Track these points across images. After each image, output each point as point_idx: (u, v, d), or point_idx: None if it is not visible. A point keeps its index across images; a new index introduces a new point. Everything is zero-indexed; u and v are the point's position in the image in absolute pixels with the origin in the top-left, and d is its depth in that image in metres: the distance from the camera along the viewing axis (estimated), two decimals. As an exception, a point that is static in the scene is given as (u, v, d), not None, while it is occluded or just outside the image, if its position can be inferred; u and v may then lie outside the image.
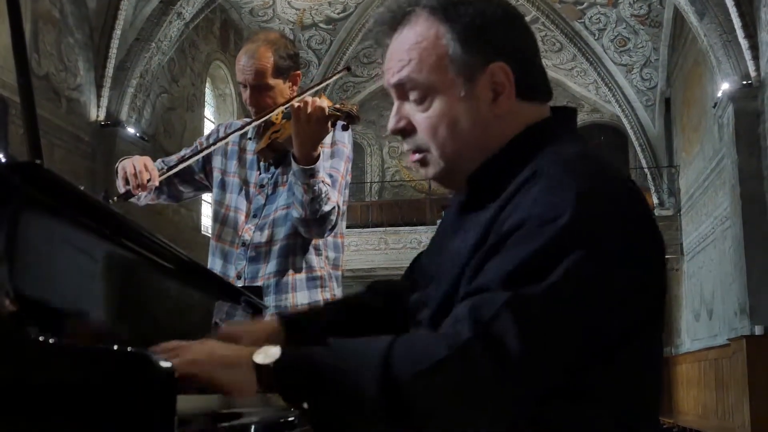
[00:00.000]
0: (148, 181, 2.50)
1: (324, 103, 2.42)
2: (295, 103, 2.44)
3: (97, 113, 11.50)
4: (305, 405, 1.06)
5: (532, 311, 1.03)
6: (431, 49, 1.24)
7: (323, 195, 2.49)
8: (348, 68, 3.27)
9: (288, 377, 1.08)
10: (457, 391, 1.02)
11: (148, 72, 12.26)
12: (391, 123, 1.30)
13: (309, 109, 2.39)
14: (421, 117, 1.26)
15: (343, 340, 1.11)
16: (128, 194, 2.51)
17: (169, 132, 13.77)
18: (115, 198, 2.52)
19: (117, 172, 2.56)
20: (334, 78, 3.13)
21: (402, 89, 1.28)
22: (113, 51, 11.58)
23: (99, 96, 11.53)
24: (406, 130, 1.29)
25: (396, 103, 1.30)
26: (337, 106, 2.45)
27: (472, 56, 1.23)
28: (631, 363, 1.14)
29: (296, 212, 2.54)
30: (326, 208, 2.51)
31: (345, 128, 2.53)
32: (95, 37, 11.45)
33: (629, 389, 1.15)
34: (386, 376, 1.02)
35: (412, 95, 1.26)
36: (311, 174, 2.46)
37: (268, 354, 1.08)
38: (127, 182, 2.49)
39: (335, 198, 2.57)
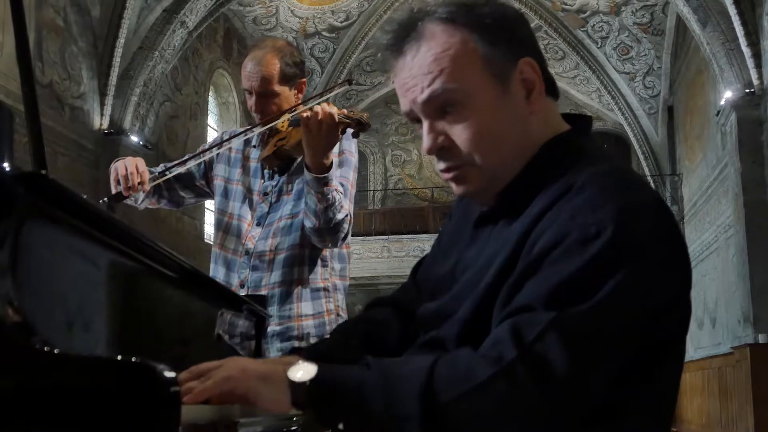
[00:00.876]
0: (139, 183, 2.49)
1: (333, 110, 2.40)
2: (304, 114, 2.42)
3: (100, 121, 11.52)
4: (340, 426, 1.03)
5: (577, 331, 1.01)
6: (462, 54, 1.19)
7: (336, 203, 2.47)
8: (349, 81, 3.18)
9: (324, 396, 1.04)
10: (500, 413, 0.99)
11: (151, 80, 12.28)
12: (428, 142, 1.22)
13: (319, 117, 2.37)
14: (459, 128, 1.20)
15: (381, 360, 1.08)
16: (119, 196, 2.50)
17: (172, 140, 13.79)
18: (106, 199, 2.51)
19: (110, 173, 2.55)
20: (334, 93, 3.06)
21: (433, 105, 1.20)
22: (117, 59, 11.60)
23: (102, 104, 11.55)
24: (446, 147, 1.21)
25: (426, 122, 1.22)
26: (347, 113, 2.43)
27: (502, 54, 1.20)
28: (658, 379, 1.14)
29: (309, 222, 2.52)
30: (339, 216, 2.50)
31: (355, 135, 2.51)
32: (99, 46, 11.47)
33: (653, 404, 1.15)
34: (428, 398, 0.99)
35: (447, 108, 1.20)
36: (325, 182, 2.43)
37: (304, 371, 1.05)
38: (119, 183, 2.48)
39: (347, 206, 2.56)
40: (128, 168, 2.48)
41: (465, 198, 1.32)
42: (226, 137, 2.85)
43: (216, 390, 1.02)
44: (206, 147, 2.83)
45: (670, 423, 1.22)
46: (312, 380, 1.04)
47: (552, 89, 1.27)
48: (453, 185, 1.26)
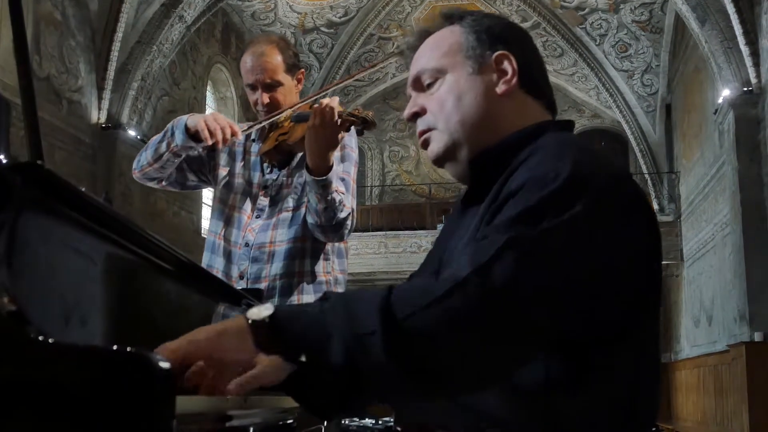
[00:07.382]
0: (232, 136, 2.55)
1: (335, 104, 2.41)
2: (323, 101, 2.42)
3: (98, 115, 11.51)
4: (303, 357, 1.04)
5: (526, 247, 1.08)
6: (445, 39, 1.40)
7: (337, 203, 2.50)
8: (401, 53, 3.28)
9: (285, 327, 1.06)
10: (454, 324, 1.04)
11: (149, 75, 12.28)
12: (406, 111, 1.43)
13: (324, 106, 2.38)
14: (433, 99, 1.39)
15: (337, 292, 1.13)
16: (212, 148, 2.58)
17: (169, 135, 13.76)
18: (201, 149, 2.61)
19: (186, 127, 2.56)
20: (385, 63, 3.21)
21: (419, 81, 1.42)
22: (114, 53, 11.59)
23: (100, 98, 11.54)
24: (418, 114, 1.41)
25: (413, 95, 1.44)
26: (352, 111, 2.43)
27: (481, 44, 1.38)
28: (629, 355, 1.18)
29: (311, 219, 2.57)
30: (341, 215, 2.53)
31: (360, 133, 2.52)
32: (97, 40, 11.47)
33: (626, 385, 1.19)
34: (387, 314, 1.04)
35: (426, 82, 1.40)
36: (324, 185, 2.46)
37: (260, 309, 1.08)
38: (210, 136, 2.50)
39: (350, 204, 2.59)
40: (220, 121, 2.52)
41: (435, 161, 1.43)
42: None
43: (179, 353, 1.02)
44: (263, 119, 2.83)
45: (652, 412, 1.25)
46: (271, 315, 1.06)
47: (533, 88, 1.39)
48: (425, 147, 1.44)
